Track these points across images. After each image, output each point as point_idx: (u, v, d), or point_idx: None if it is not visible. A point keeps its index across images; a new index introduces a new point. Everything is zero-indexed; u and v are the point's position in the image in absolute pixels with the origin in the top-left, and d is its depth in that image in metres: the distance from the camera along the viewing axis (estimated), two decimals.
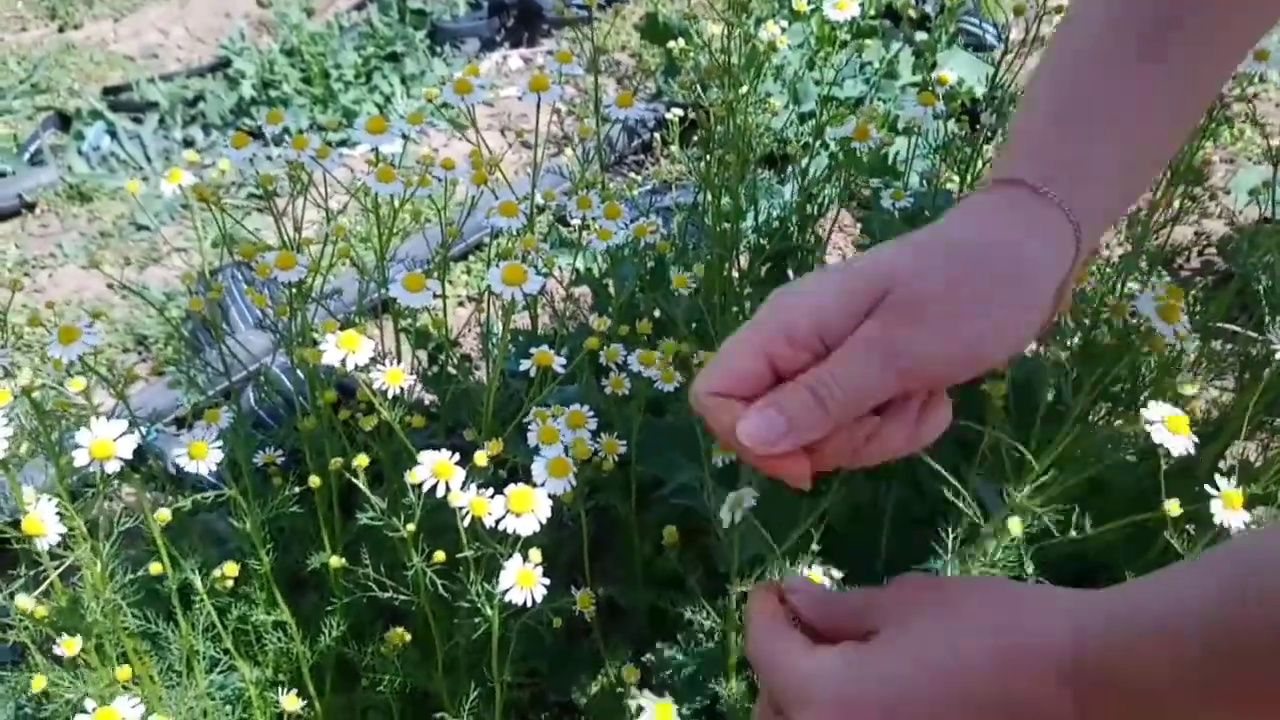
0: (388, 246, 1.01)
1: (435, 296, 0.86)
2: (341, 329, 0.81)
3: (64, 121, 2.61)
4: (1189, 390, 0.88)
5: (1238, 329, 1.12)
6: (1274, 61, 1.07)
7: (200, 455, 0.87)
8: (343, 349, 0.77)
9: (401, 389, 0.82)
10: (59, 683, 0.84)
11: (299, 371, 1.05)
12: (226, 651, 1.06)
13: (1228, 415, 1.12)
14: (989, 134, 1.26)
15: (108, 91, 2.71)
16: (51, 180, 2.42)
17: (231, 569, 0.92)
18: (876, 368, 0.46)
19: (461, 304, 2.05)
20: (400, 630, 0.96)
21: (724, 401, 0.48)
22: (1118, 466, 1.06)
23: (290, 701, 0.84)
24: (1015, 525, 0.85)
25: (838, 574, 1.07)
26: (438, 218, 1.08)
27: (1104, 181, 0.52)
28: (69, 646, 0.80)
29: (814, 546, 0.95)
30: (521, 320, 1.70)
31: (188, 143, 2.52)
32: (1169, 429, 0.77)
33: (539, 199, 1.07)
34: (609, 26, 2.69)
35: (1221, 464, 1.13)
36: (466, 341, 1.94)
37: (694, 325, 1.32)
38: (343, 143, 2.32)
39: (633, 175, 1.47)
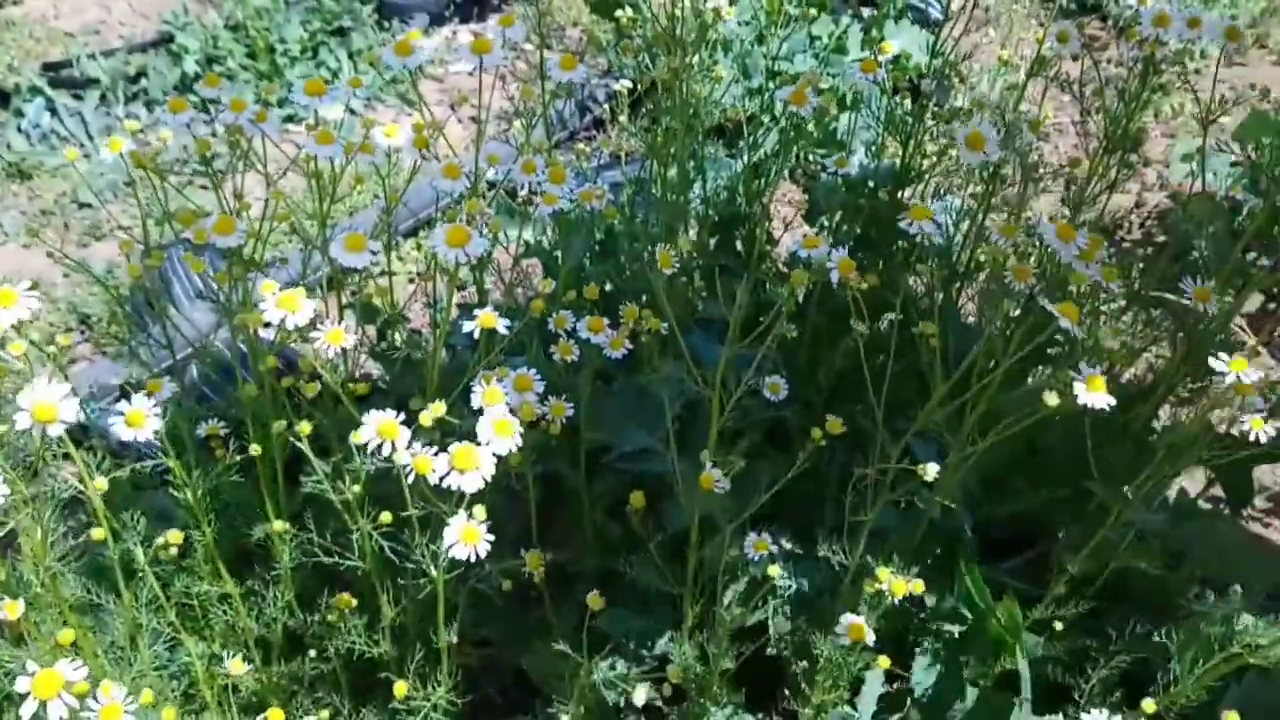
0: (328, 213, 1.00)
1: (375, 259, 0.85)
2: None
3: (3, 98, 2.55)
4: (1110, 343, 0.90)
5: (1170, 295, 1.15)
6: (1208, 31, 1.09)
7: (138, 423, 0.85)
8: (282, 309, 0.76)
9: (344, 350, 0.81)
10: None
11: (240, 343, 1.04)
12: (171, 625, 1.05)
13: (1161, 378, 1.14)
14: (934, 106, 1.27)
15: (48, 68, 2.65)
16: None
17: (176, 536, 0.91)
18: None
19: (411, 280, 2.04)
20: (345, 595, 0.95)
21: None
22: (1051, 429, 1.08)
23: (236, 665, 0.83)
24: (931, 470, 0.88)
25: (787, 545, 1.08)
26: (381, 186, 1.07)
27: None
28: (11, 610, 0.79)
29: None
30: (472, 298, 1.69)
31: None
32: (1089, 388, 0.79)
33: (484, 164, 1.07)
34: (560, 1, 2.68)
35: (1155, 424, 1.16)
36: (417, 317, 1.93)
37: (643, 296, 1.32)
38: (289, 118, 2.29)
39: (583, 146, 1.47)
